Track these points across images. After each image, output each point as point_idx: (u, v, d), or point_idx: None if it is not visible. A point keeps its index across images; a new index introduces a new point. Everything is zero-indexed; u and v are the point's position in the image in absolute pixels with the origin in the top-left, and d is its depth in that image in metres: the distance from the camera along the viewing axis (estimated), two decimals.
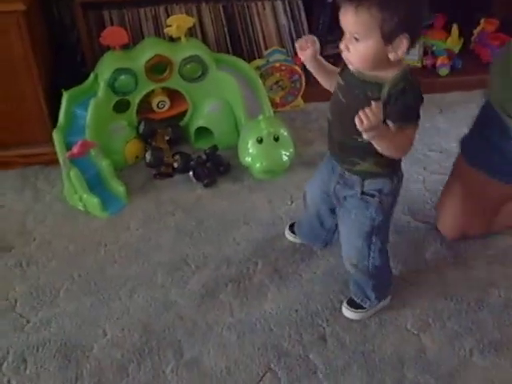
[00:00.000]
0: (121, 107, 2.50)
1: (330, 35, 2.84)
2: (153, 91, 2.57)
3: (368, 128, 1.48)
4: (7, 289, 2.11)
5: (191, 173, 2.47)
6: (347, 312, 1.98)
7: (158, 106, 2.59)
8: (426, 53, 3.05)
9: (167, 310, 2.01)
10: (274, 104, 2.80)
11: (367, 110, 1.48)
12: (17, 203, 2.45)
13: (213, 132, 2.62)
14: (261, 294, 2.06)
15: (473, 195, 2.14)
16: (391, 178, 1.74)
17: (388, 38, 1.49)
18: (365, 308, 1.97)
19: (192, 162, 2.49)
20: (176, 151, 2.55)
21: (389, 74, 1.55)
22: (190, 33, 2.70)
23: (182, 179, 2.50)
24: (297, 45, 1.71)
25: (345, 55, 1.56)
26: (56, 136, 2.43)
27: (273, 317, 1.99)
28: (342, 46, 1.55)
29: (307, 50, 1.70)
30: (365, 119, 1.47)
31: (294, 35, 2.79)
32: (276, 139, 2.40)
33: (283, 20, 2.77)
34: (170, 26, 2.48)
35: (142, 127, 2.55)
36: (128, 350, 1.90)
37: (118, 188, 2.38)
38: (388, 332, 1.95)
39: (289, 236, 2.23)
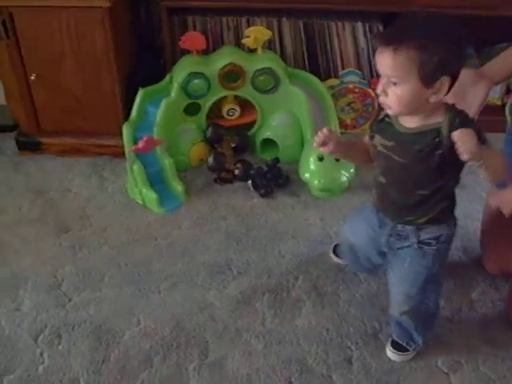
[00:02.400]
0: (191, 110, 2.58)
1: None
2: (225, 98, 2.64)
3: (470, 153, 1.37)
4: (57, 267, 2.22)
5: (250, 181, 2.52)
6: (393, 355, 1.93)
7: (228, 114, 2.65)
8: (508, 91, 2.98)
9: (201, 310, 2.06)
10: (344, 125, 2.81)
11: (458, 135, 1.39)
12: (82, 189, 2.58)
13: (278, 144, 2.65)
14: (295, 308, 2.08)
15: None
16: (449, 223, 1.69)
17: (428, 81, 1.44)
18: (409, 350, 1.92)
19: (252, 171, 2.54)
20: (239, 159, 2.60)
21: (439, 118, 1.50)
22: (269, 46, 2.75)
23: (241, 187, 2.56)
24: (316, 142, 1.66)
25: (382, 100, 1.52)
26: (125, 129, 2.54)
27: (303, 332, 2.00)
28: (378, 90, 1.50)
29: (329, 144, 1.65)
30: (462, 146, 1.38)
31: (372, 58, 2.79)
32: (337, 159, 2.42)
33: (362, 43, 2.77)
34: (248, 36, 2.53)
35: (209, 132, 2.62)
36: (157, 342, 1.96)
37: (177, 187, 2.46)
38: (417, 366, 1.91)
39: (333, 257, 2.24)
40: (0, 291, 2.14)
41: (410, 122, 1.55)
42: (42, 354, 1.94)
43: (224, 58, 2.56)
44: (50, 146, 2.73)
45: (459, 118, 1.48)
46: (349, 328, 2.01)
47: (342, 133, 2.69)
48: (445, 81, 1.45)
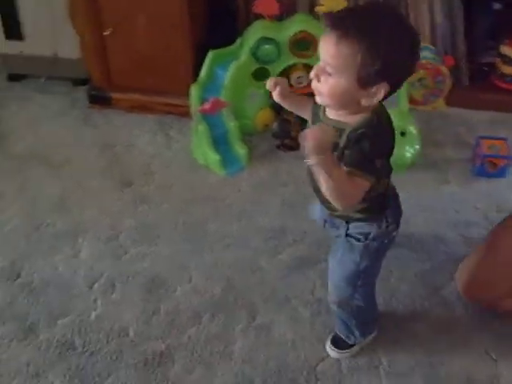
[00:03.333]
0: (260, 75, 2.57)
1: (489, 41, 2.75)
2: (294, 65, 2.62)
3: (313, 147, 1.28)
4: (117, 220, 2.27)
5: None
6: (332, 352, 1.87)
7: (296, 81, 2.64)
8: None
9: (253, 273, 2.09)
10: (413, 100, 2.76)
11: (317, 127, 1.35)
12: (148, 146, 2.62)
13: None
14: None
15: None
16: (378, 223, 1.58)
17: (364, 83, 1.32)
18: (349, 346, 1.86)
19: None
20: (303, 127, 2.59)
21: (356, 118, 1.39)
22: None
23: (302, 156, 2.54)
24: (268, 84, 1.57)
25: (314, 85, 1.39)
26: (193, 90, 2.56)
27: None
28: (312, 74, 1.38)
29: (275, 90, 1.56)
30: (311, 136, 1.28)
31: (449, 35, 2.72)
32: (402, 134, 2.39)
33: (439, 17, 2.70)
34: (322, 5, 2.51)
35: None
36: (206, 300, 2.00)
37: (241, 150, 2.48)
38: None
39: None
40: (60, 239, 2.21)
41: (331, 113, 1.45)
42: (95, 301, 2.01)
43: (296, 25, 2.54)
44: (120, 102, 2.78)
45: (364, 130, 1.36)
46: (398, 305, 2.01)
47: (411, 108, 2.64)
48: (382, 87, 1.32)
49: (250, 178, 2.47)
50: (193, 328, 1.92)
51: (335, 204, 1.41)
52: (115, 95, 2.76)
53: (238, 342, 1.89)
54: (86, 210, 2.32)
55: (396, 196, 1.65)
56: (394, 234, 1.64)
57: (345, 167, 1.35)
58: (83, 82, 2.90)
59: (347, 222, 1.60)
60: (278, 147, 2.57)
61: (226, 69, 2.54)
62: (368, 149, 1.35)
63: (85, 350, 1.88)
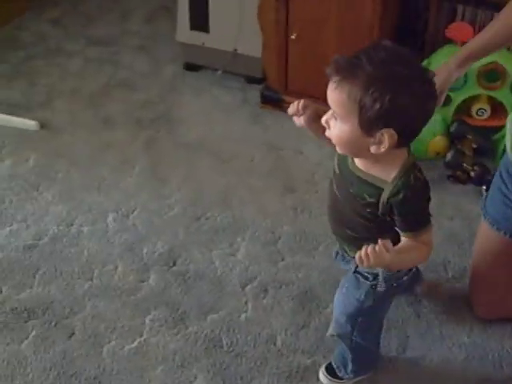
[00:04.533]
0: None
1: None
2: (477, 96, 2.52)
3: (370, 266, 1.30)
4: (276, 224, 2.27)
5: (484, 187, 2.40)
6: (323, 378, 1.82)
7: (476, 113, 2.54)
8: None
9: (408, 304, 2.02)
10: None
11: (370, 250, 1.27)
12: (314, 154, 2.60)
13: None
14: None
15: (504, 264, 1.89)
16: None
17: (367, 129, 1.26)
18: (340, 378, 1.81)
19: (489, 178, 2.41)
20: (478, 161, 2.49)
21: (388, 176, 1.34)
22: None
23: (473, 190, 2.44)
24: (289, 110, 1.52)
25: (327, 133, 1.37)
26: None
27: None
28: (323, 120, 1.36)
29: (302, 116, 1.50)
30: (365, 260, 1.28)
31: None
32: None
33: None
34: None
35: (454, 127, 2.52)
36: None
37: None
38: None
39: None
40: (219, 233, 2.24)
41: (359, 162, 1.40)
42: (246, 303, 2.01)
43: None
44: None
45: (404, 193, 1.32)
46: None
47: None
48: (387, 134, 1.25)
49: None
50: None
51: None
52: (288, 98, 2.75)
53: (385, 370, 1.85)
54: (247, 209, 2.33)
55: None
56: (405, 278, 1.57)
57: (404, 233, 1.39)
58: (257, 80, 2.91)
59: None
60: (449, 178, 2.48)
61: None
62: (416, 206, 1.36)
63: (231, 350, 1.89)
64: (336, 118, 1.31)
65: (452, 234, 2.28)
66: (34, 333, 1.92)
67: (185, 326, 1.94)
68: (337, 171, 1.49)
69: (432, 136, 2.52)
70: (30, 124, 2.70)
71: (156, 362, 1.85)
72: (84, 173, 2.49)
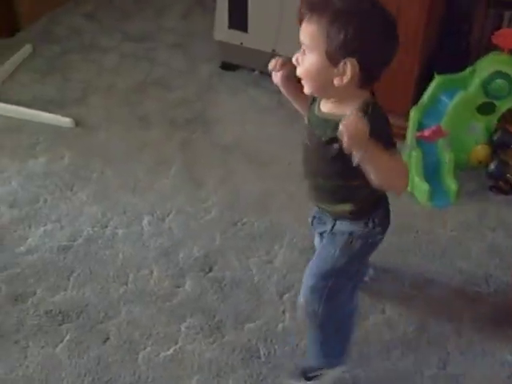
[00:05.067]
0: (485, 109, 2.43)
1: None
2: None
3: (351, 142, 1.27)
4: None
5: None
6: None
7: None
8: None
9: (449, 320, 1.97)
10: None
11: (348, 119, 1.29)
12: None
13: None
14: None
15: None
16: (365, 222, 1.56)
17: (332, 58, 1.34)
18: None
19: None
20: None
21: (347, 111, 1.36)
22: None
23: None
24: (269, 66, 1.55)
25: (298, 71, 1.43)
26: (413, 113, 2.46)
27: None
28: (293, 59, 1.42)
29: (279, 72, 1.54)
30: (345, 132, 1.27)
31: None
32: None
33: None
34: None
35: (497, 136, 2.46)
36: (398, 336, 1.92)
37: (451, 185, 2.35)
38: None
39: None
40: (256, 240, 2.20)
41: (324, 107, 1.47)
42: (283, 312, 1.98)
43: None
44: None
45: (367, 113, 1.36)
46: None
47: None
48: (349, 64, 1.33)
49: (456, 214, 2.33)
50: (380, 362, 1.84)
51: (397, 188, 1.47)
52: None
53: None
54: (284, 215, 2.29)
55: (386, 199, 1.62)
56: (380, 237, 1.61)
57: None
58: None
59: (335, 220, 1.60)
60: (490, 188, 2.42)
61: (452, 96, 2.43)
62: (378, 128, 1.34)
63: (268, 360, 1.85)
64: (305, 53, 1.38)
65: (494, 245, 2.22)
66: (68, 337, 1.89)
67: (221, 335, 1.91)
68: (306, 122, 1.55)
69: (474, 145, 2.47)
70: (65, 121, 2.68)
71: (192, 371, 1.82)
72: (119, 173, 2.46)
